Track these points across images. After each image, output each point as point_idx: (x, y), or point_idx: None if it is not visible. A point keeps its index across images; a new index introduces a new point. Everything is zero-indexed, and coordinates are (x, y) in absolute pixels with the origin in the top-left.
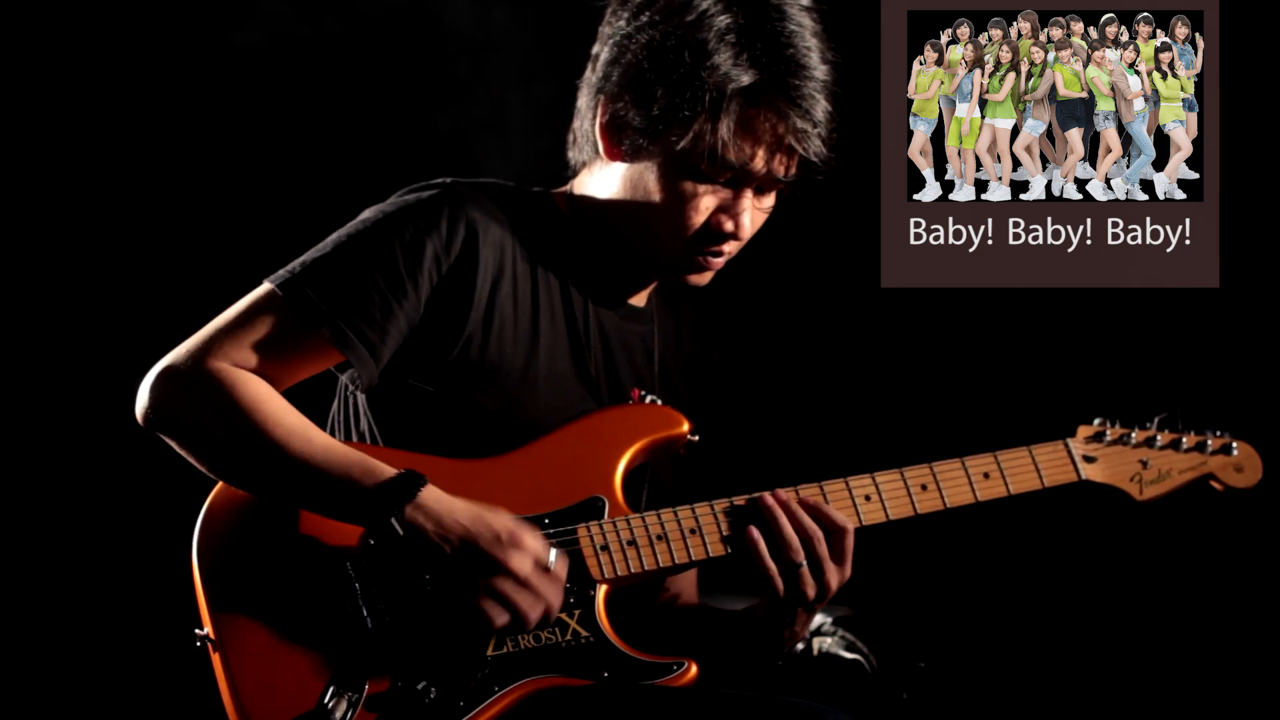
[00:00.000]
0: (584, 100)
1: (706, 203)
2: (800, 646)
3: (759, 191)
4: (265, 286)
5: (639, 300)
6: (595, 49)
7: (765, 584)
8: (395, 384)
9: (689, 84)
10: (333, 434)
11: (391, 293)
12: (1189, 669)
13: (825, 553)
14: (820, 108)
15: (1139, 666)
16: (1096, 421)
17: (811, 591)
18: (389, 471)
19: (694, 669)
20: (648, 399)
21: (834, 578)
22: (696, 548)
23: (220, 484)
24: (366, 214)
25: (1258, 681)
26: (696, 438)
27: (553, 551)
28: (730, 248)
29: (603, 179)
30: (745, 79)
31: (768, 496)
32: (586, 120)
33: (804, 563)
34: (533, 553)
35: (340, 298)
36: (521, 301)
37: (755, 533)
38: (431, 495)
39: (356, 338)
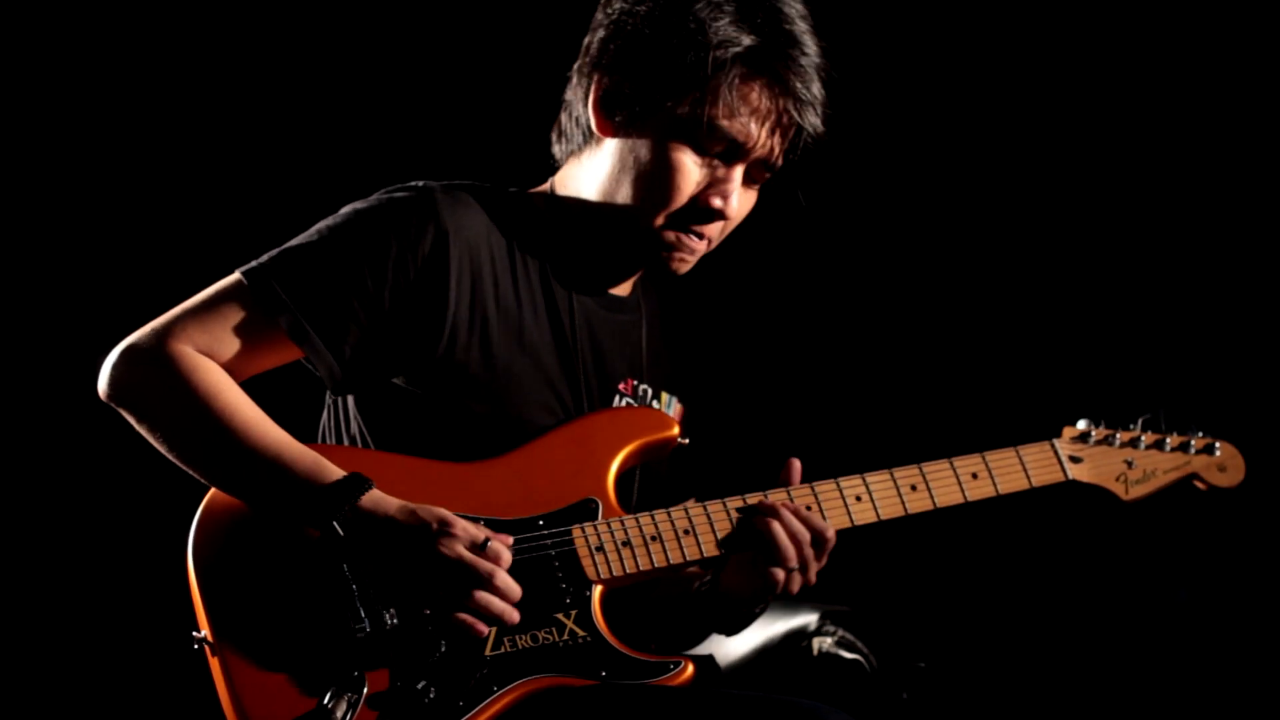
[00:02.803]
0: (575, 88)
1: (698, 176)
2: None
3: (746, 177)
4: (235, 275)
5: (623, 290)
6: (587, 39)
7: (763, 583)
8: (383, 388)
9: (688, 49)
10: (323, 439)
11: (353, 290)
12: (1188, 667)
13: (811, 555)
14: (816, 85)
15: (1138, 665)
16: (1081, 422)
17: (796, 588)
18: (337, 473)
19: (690, 668)
20: (639, 388)
21: (814, 574)
22: (691, 548)
23: (215, 488)
24: (344, 210)
25: (1255, 680)
26: (686, 440)
27: (488, 536)
28: (713, 230)
29: (591, 163)
30: (746, 42)
31: (765, 505)
32: (578, 104)
33: (797, 568)
34: (464, 536)
35: (301, 290)
36: (504, 301)
37: (757, 537)
38: (372, 498)
39: (313, 330)
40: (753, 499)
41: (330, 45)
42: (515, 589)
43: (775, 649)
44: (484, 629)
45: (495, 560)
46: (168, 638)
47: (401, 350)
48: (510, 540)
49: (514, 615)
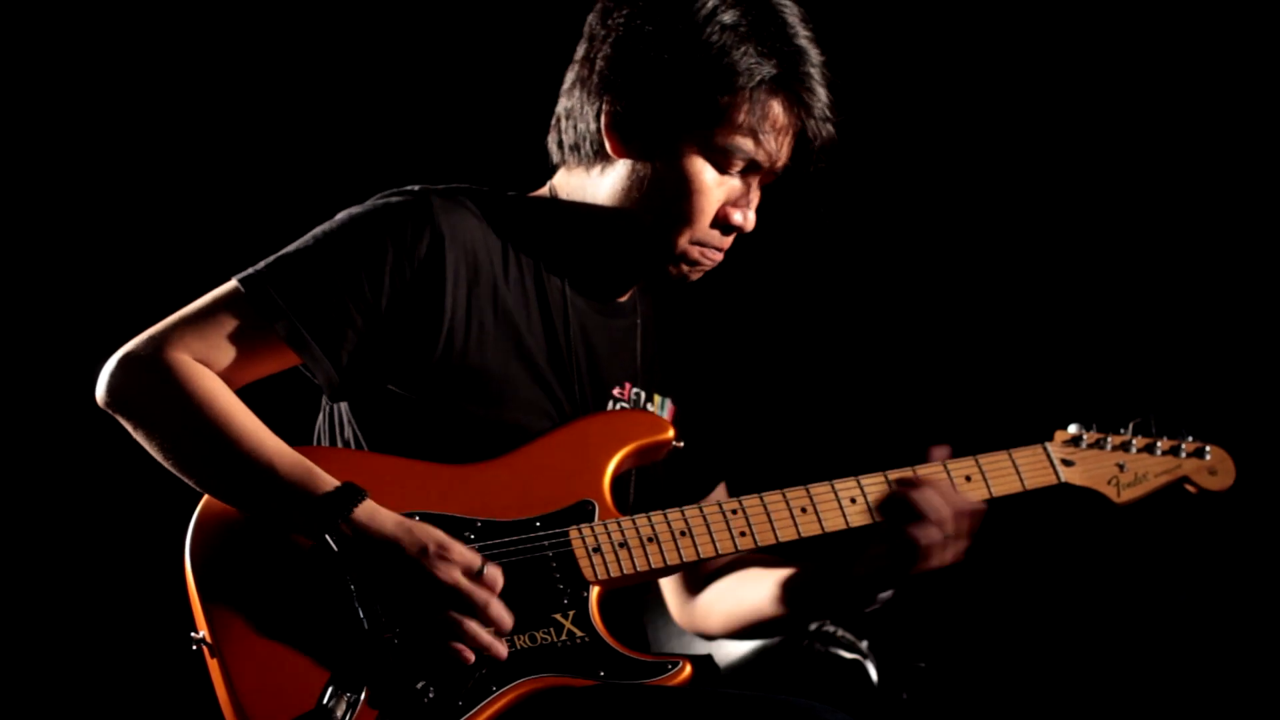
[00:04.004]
0: (578, 100)
1: (720, 195)
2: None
3: (759, 184)
4: (231, 282)
5: (621, 297)
6: (583, 49)
7: (909, 553)
8: (378, 392)
9: (711, 80)
10: (318, 443)
11: (350, 295)
12: (1187, 667)
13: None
14: (825, 93)
15: (1138, 665)
16: (1073, 426)
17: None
18: (331, 483)
19: (688, 668)
20: (632, 392)
21: (951, 554)
22: (687, 549)
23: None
24: (340, 216)
25: (1254, 679)
26: (681, 444)
27: (485, 563)
28: (730, 242)
29: (603, 178)
30: (768, 71)
31: (923, 472)
32: (587, 120)
33: (949, 535)
34: (461, 561)
35: (298, 296)
36: (500, 305)
37: (911, 503)
38: (366, 509)
39: (310, 336)
40: (747, 500)
41: (328, 48)
42: (508, 620)
43: (775, 649)
44: (470, 657)
45: (491, 588)
46: (166, 638)
47: (398, 355)
48: (501, 575)
49: (502, 651)
